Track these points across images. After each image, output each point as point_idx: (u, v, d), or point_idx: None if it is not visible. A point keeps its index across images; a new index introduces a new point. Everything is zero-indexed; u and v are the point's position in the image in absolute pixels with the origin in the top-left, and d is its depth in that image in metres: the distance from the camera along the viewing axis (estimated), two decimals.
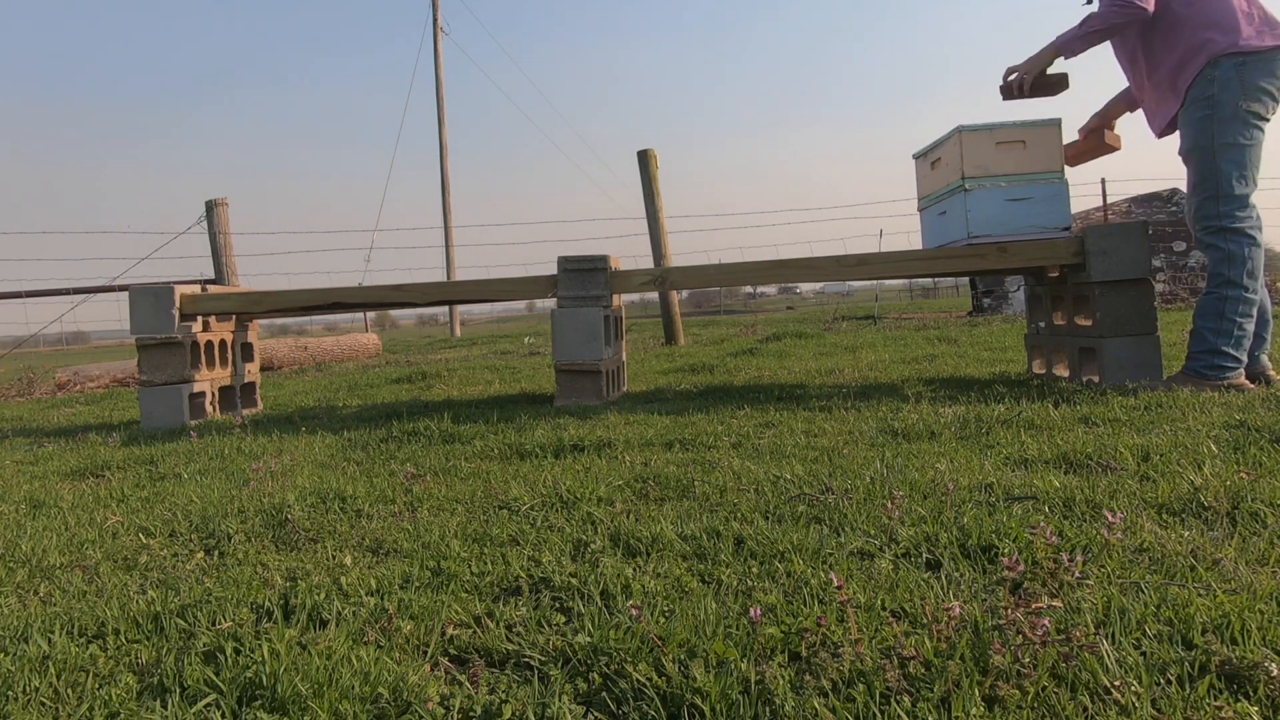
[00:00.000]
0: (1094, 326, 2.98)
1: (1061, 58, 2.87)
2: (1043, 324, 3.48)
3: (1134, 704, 0.82)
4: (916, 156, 3.48)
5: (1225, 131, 2.62)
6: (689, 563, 1.29)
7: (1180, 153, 2.74)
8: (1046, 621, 0.90)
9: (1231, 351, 2.63)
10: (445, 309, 16.68)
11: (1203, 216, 2.69)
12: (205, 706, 0.93)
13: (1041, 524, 1.23)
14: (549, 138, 38.04)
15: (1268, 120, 2.62)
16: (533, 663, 1.00)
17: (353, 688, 0.93)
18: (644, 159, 6.69)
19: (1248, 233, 2.62)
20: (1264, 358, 2.74)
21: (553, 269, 3.41)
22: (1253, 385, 2.62)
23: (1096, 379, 3.01)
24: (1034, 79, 2.93)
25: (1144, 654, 0.91)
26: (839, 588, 1.00)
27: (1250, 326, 2.63)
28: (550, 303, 3.50)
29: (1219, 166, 2.63)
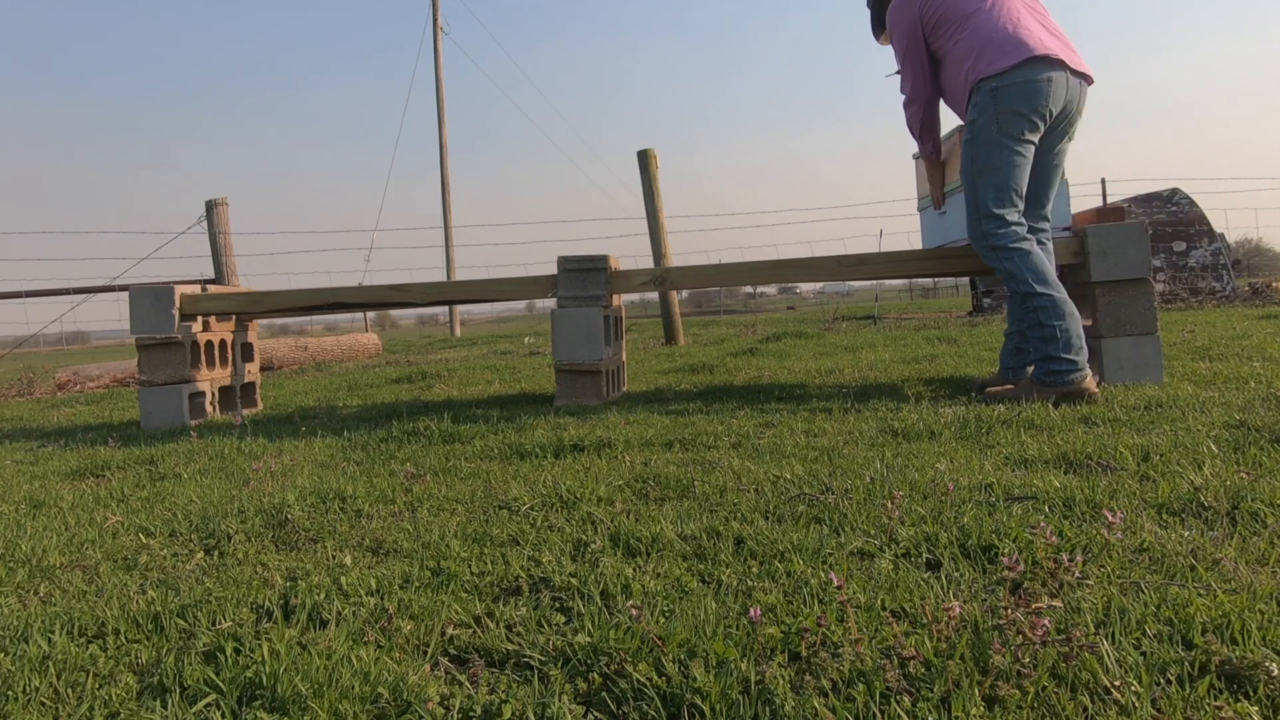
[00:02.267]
0: (1094, 326, 2.98)
1: (933, 158, 3.14)
2: None
3: (1134, 704, 0.82)
4: (916, 156, 3.48)
5: (980, 155, 2.71)
6: (689, 563, 1.29)
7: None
8: (1046, 621, 0.90)
9: (1060, 354, 2.63)
10: (445, 309, 16.68)
11: (974, 237, 2.80)
12: (205, 706, 0.93)
13: (1041, 524, 1.23)
14: (549, 138, 38.08)
15: (1028, 141, 2.68)
16: (533, 663, 1.00)
17: (353, 688, 0.93)
18: (644, 159, 6.69)
19: (1011, 246, 2.69)
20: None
21: (553, 269, 3.41)
22: (1096, 390, 2.62)
23: (1097, 379, 3.01)
24: (943, 188, 3.24)
25: (1144, 654, 0.91)
26: (839, 588, 1.00)
27: (1074, 326, 2.65)
28: (550, 303, 3.50)
29: (977, 188, 2.74)
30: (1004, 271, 2.72)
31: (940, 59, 2.87)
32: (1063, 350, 2.63)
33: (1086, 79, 2.74)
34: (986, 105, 2.67)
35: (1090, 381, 2.64)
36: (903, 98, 2.98)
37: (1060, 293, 2.67)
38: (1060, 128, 2.75)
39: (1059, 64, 2.63)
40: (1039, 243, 2.84)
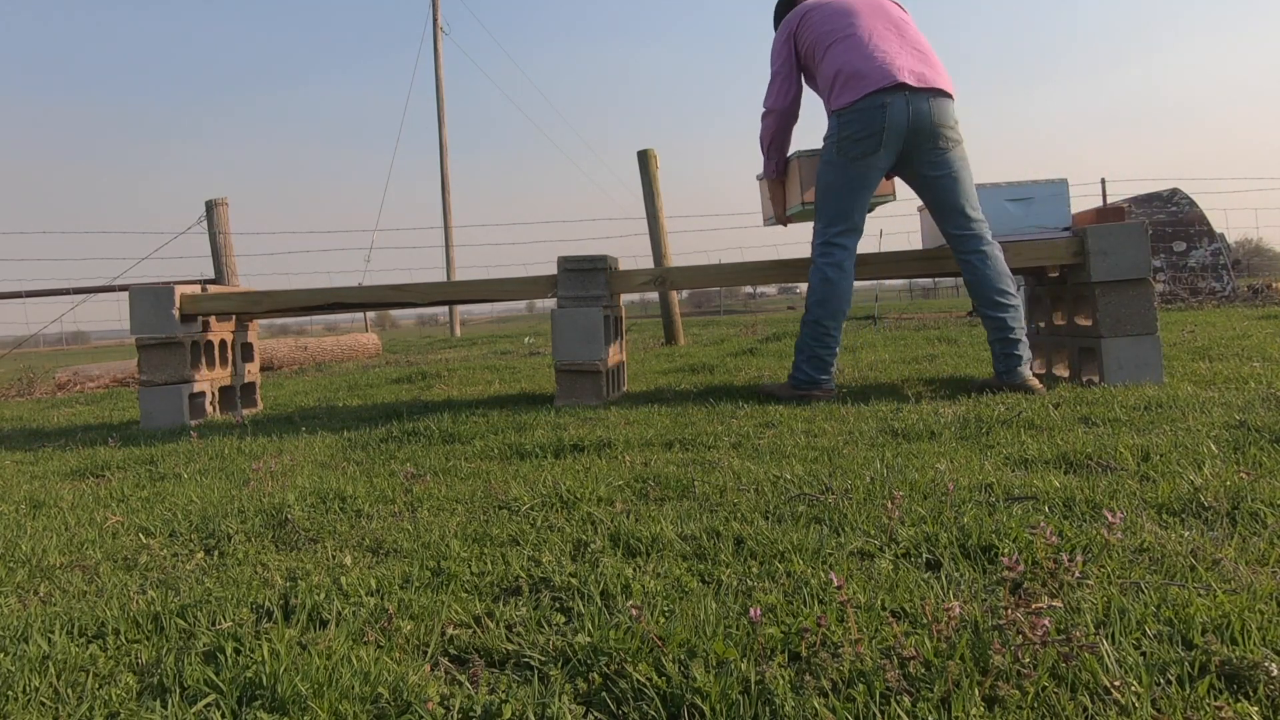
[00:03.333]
0: (1094, 326, 2.98)
1: (774, 176, 3.31)
2: (1043, 324, 3.48)
3: (1134, 704, 0.82)
4: (760, 177, 3.50)
5: (822, 174, 2.99)
6: (689, 563, 1.29)
7: None
8: (1046, 621, 0.90)
9: (804, 367, 3.01)
10: (445, 309, 16.68)
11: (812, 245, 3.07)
12: (205, 706, 0.93)
13: (1041, 524, 1.23)
14: (549, 138, 38.05)
15: (866, 164, 2.88)
16: (533, 663, 1.00)
17: (353, 688, 0.93)
18: (644, 159, 6.69)
19: (822, 264, 2.98)
20: (1023, 369, 2.91)
21: (553, 269, 3.41)
22: (827, 398, 2.98)
23: (1097, 379, 3.01)
24: (784, 207, 3.38)
25: (1144, 654, 0.91)
26: (839, 588, 1.00)
27: (823, 352, 2.98)
28: (550, 303, 3.50)
29: (818, 205, 3.02)
30: (809, 282, 3.04)
31: (816, 84, 3.09)
32: (804, 363, 3.01)
33: (943, 94, 2.88)
34: (833, 130, 2.93)
35: (827, 394, 3.00)
36: (763, 109, 3.17)
37: (831, 321, 2.97)
38: (926, 145, 2.88)
39: (900, 89, 2.82)
40: (978, 250, 2.94)
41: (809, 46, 3.00)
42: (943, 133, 2.86)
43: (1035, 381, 2.87)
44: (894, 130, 2.82)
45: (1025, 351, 2.89)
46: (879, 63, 2.84)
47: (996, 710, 0.83)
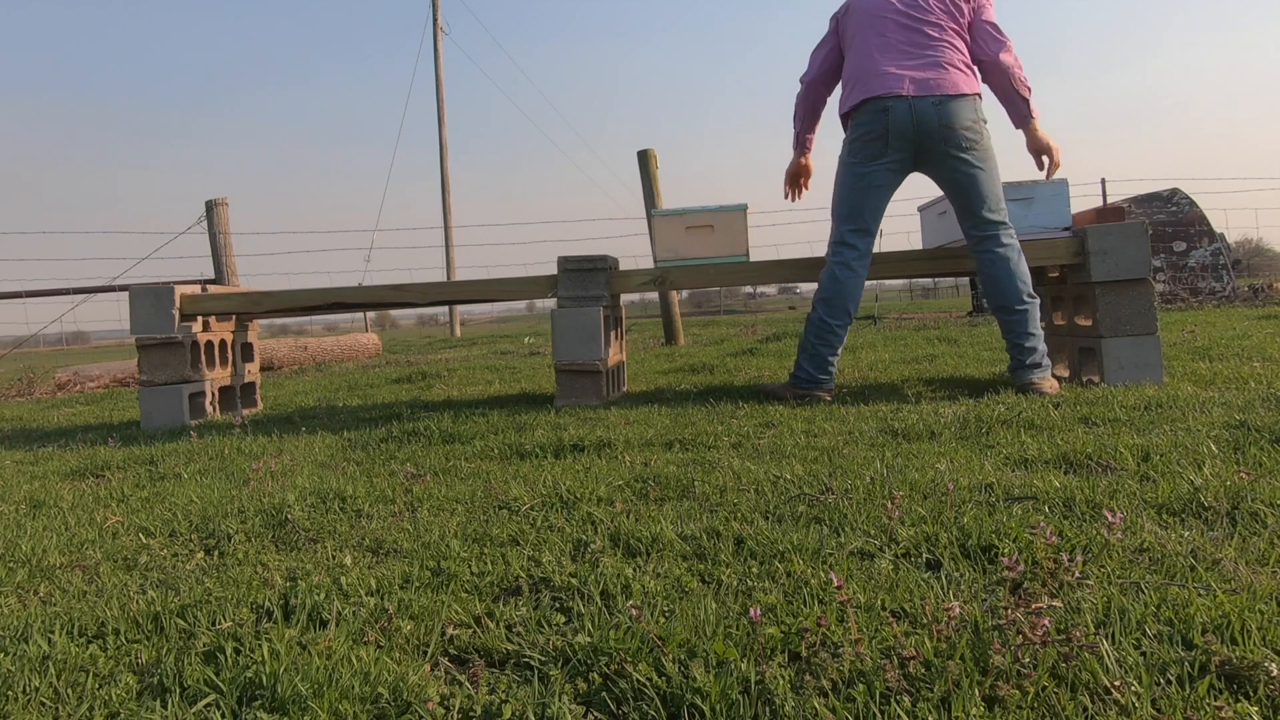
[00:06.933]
0: (1094, 326, 2.98)
1: (795, 148, 3.31)
2: (1043, 324, 3.48)
3: (1134, 704, 0.82)
4: (652, 214, 3.55)
5: (838, 175, 3.05)
6: (689, 563, 1.29)
7: None
8: (1046, 621, 0.90)
9: (805, 364, 3.01)
10: (445, 309, 16.68)
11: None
12: (205, 706, 0.93)
13: (1041, 524, 1.23)
14: (549, 138, 38.07)
15: (875, 166, 2.91)
16: (533, 663, 1.00)
17: (353, 688, 0.93)
18: (644, 159, 6.69)
19: (833, 262, 3.00)
20: (1027, 373, 2.88)
21: (553, 269, 3.41)
22: (828, 398, 2.99)
23: (1097, 379, 3.01)
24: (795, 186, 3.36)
25: (1144, 654, 0.91)
26: (839, 588, 1.00)
27: (825, 350, 2.98)
28: (550, 303, 3.50)
29: (833, 205, 3.06)
30: (820, 280, 3.07)
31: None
32: (806, 361, 3.00)
33: (951, 97, 2.84)
34: (848, 132, 3.02)
35: (821, 391, 3.00)
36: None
37: (835, 319, 2.98)
38: (938, 146, 2.86)
39: (898, 95, 2.85)
40: (990, 251, 2.90)
41: (848, 39, 3.08)
42: (955, 133, 2.83)
43: (1046, 385, 2.81)
44: (898, 133, 2.85)
45: (1033, 356, 2.85)
46: (881, 71, 2.90)
47: (996, 710, 0.83)
